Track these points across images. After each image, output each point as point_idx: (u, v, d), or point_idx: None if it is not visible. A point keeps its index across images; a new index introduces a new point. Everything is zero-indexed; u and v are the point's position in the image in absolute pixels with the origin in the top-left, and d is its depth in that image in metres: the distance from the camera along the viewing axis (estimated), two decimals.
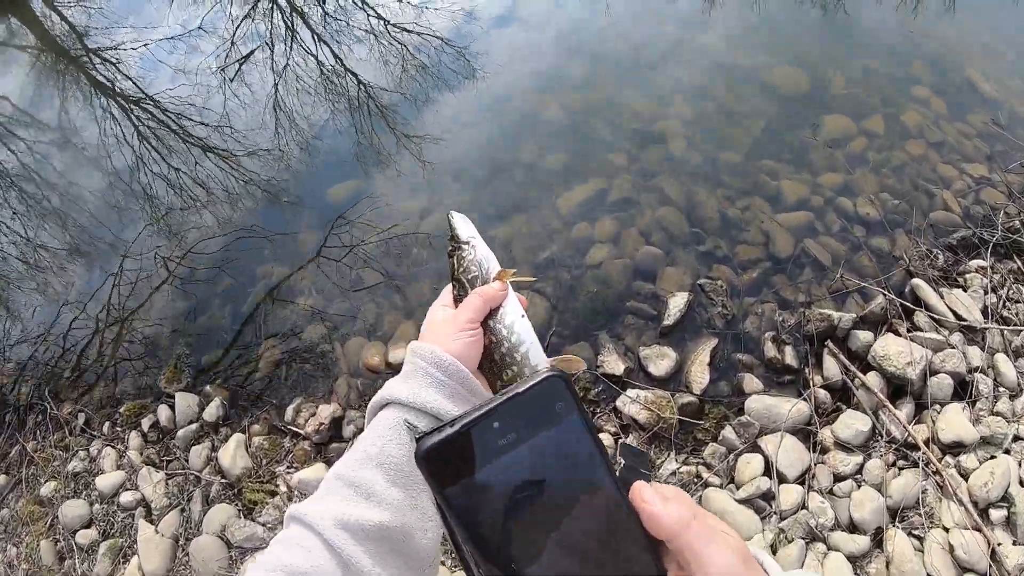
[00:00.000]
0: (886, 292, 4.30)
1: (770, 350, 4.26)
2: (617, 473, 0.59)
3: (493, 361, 0.95)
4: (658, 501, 0.56)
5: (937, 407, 3.82)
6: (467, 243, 0.96)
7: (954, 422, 3.66)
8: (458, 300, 0.97)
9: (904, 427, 3.71)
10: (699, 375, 4.23)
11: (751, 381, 4.18)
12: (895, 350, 3.93)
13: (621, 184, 5.18)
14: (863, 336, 4.12)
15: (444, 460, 0.55)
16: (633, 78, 6.12)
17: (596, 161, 5.41)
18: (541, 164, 5.46)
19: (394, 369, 4.42)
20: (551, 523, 0.55)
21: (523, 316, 0.96)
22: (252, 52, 6.67)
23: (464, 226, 1.00)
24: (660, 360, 4.24)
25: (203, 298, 5.06)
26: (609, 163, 5.36)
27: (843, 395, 4.06)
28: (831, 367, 4.16)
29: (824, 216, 4.89)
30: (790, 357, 4.19)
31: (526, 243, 4.94)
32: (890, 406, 3.82)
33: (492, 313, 0.96)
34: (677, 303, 4.38)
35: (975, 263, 4.50)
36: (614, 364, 4.18)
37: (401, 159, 5.75)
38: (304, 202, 5.60)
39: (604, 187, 5.20)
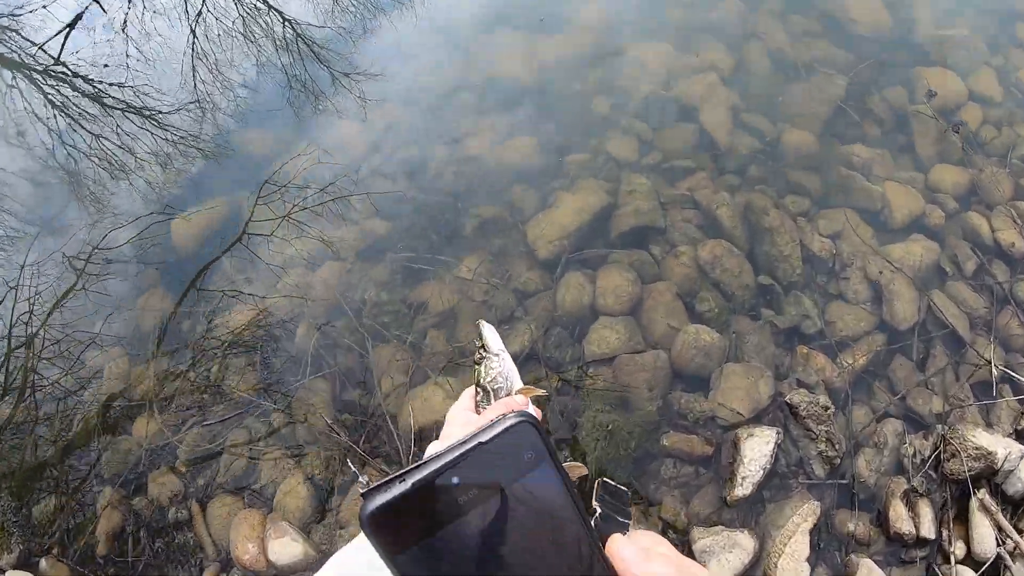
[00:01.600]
0: None
1: (900, 516, 2.53)
2: (593, 522, 0.52)
3: None
4: (640, 560, 0.51)
5: None
6: (497, 355, 0.96)
7: None
8: (479, 406, 0.95)
9: None
10: (791, 570, 2.46)
11: (867, 570, 2.46)
12: None
13: (633, 193, 3.05)
14: None
15: (394, 522, 0.45)
16: (635, 9, 3.74)
17: (588, 151, 3.22)
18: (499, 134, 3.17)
19: (280, 571, 2.52)
20: None
21: None
22: None
23: (494, 337, 1.00)
24: (727, 554, 2.45)
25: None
26: (607, 156, 3.18)
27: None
28: (983, 533, 2.52)
29: (947, 242, 3.06)
30: (927, 524, 2.51)
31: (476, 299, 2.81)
32: None
33: None
34: (756, 453, 2.48)
35: None
36: None
37: (339, 99, 3.86)
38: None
39: (604, 202, 3.05)
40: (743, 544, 2.48)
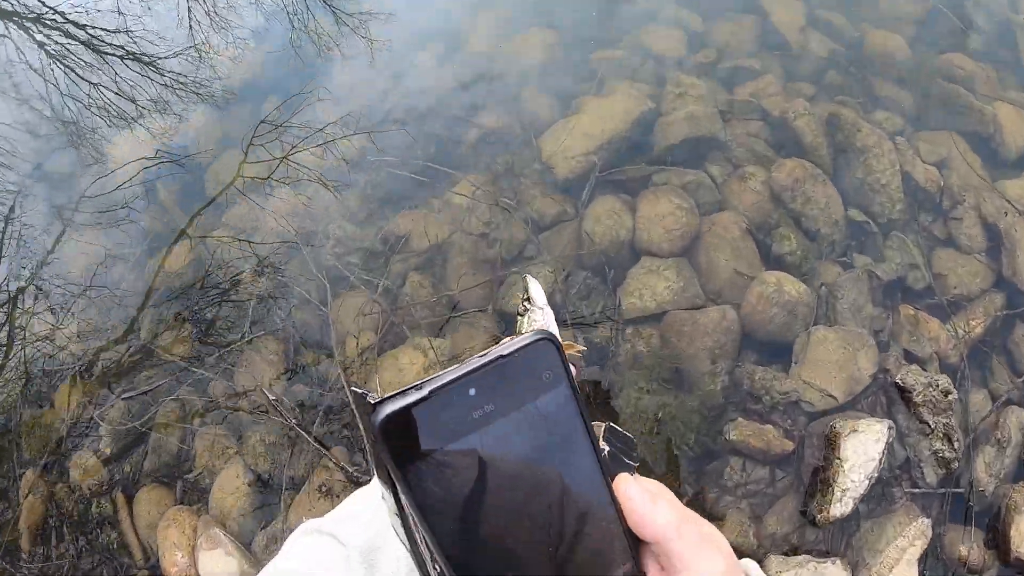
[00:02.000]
0: None
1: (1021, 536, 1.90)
2: (601, 460, 0.51)
3: None
4: (647, 500, 0.51)
5: None
6: (541, 308, 0.96)
7: None
8: None
9: None
10: None
11: None
12: None
13: (683, 96, 2.28)
14: None
15: (405, 430, 0.44)
16: None
17: (621, 47, 2.40)
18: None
19: None
20: (524, 512, 0.48)
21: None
22: None
23: (539, 292, 1.00)
24: None
25: None
26: (646, 52, 2.40)
27: None
28: None
29: None
30: None
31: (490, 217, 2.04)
32: None
33: None
34: (862, 456, 1.79)
35: None
36: None
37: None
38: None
39: (645, 108, 2.25)
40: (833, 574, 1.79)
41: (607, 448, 0.59)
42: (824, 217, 2.10)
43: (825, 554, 1.82)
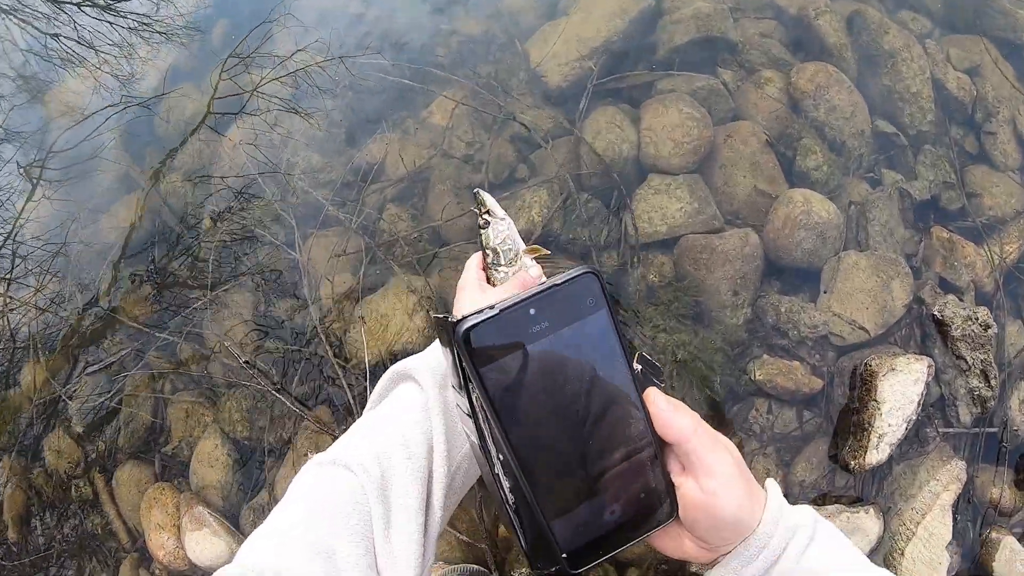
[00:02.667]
0: None
1: None
2: (634, 376, 0.61)
3: None
4: (671, 408, 0.61)
5: None
6: (503, 219, 1.00)
7: None
8: (490, 268, 0.99)
9: None
10: (924, 561, 1.67)
11: (1008, 551, 1.72)
12: None
13: None
14: None
15: (481, 339, 0.54)
16: None
17: None
18: None
19: (205, 571, 1.77)
20: (572, 410, 0.58)
21: None
22: None
23: (496, 203, 1.02)
24: (849, 537, 1.48)
25: None
26: None
27: None
28: None
29: None
30: None
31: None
32: None
33: None
34: (901, 398, 1.59)
35: None
36: None
37: None
38: None
39: (644, 5, 1.97)
40: (866, 528, 1.62)
41: (639, 367, 0.63)
42: (850, 128, 1.85)
43: (857, 501, 1.64)
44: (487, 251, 0.99)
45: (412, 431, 0.72)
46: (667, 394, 0.64)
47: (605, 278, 0.63)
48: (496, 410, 0.56)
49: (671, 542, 0.66)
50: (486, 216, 1.01)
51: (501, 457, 0.59)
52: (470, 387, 0.57)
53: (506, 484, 0.61)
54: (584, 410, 0.58)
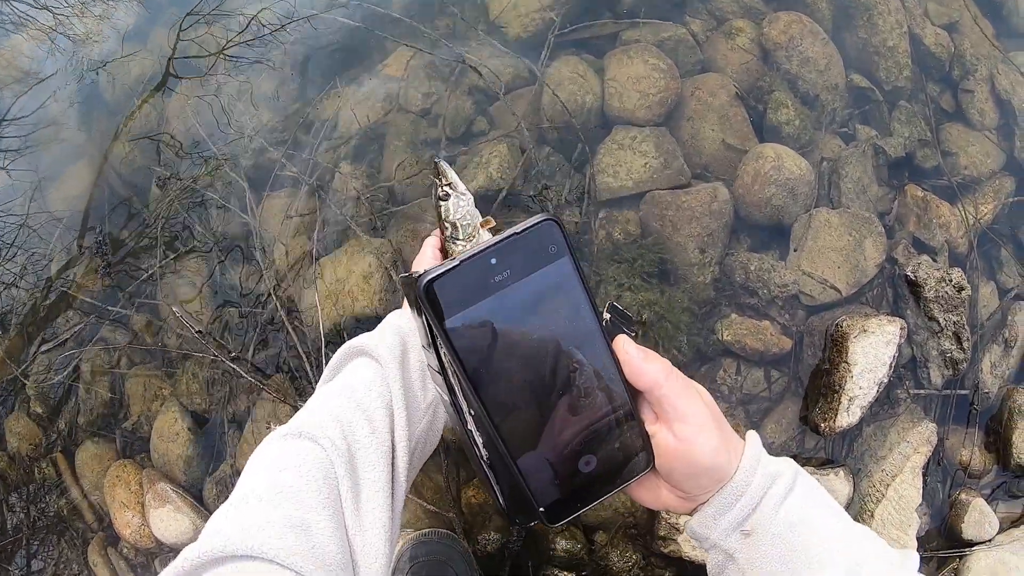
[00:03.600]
0: None
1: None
2: (603, 324, 0.60)
3: None
4: (640, 356, 0.59)
5: None
6: (464, 194, 0.98)
7: None
8: (448, 242, 0.98)
9: None
10: (893, 522, 1.64)
11: (977, 513, 1.69)
12: None
13: None
14: None
15: (443, 291, 0.54)
16: None
17: None
18: None
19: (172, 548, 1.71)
20: (539, 361, 0.57)
21: None
22: None
23: (456, 176, 1.00)
24: None
25: None
26: None
27: None
28: None
29: None
30: None
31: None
32: None
33: None
34: (872, 359, 1.55)
35: None
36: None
37: None
38: None
39: None
40: (836, 490, 1.58)
41: (608, 316, 0.63)
42: (823, 81, 1.78)
43: (827, 463, 1.60)
44: (446, 224, 0.98)
45: (374, 405, 0.72)
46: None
47: (567, 226, 0.54)
48: (463, 363, 0.55)
49: (648, 493, 0.66)
50: (447, 188, 0.98)
51: (472, 412, 0.58)
52: (437, 342, 0.56)
53: (479, 440, 0.60)
54: (552, 360, 0.57)
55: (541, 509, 0.60)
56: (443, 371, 0.59)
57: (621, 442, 0.61)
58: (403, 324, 0.84)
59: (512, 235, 0.55)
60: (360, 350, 0.79)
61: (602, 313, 0.62)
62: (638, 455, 0.63)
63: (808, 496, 0.63)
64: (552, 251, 0.56)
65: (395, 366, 0.75)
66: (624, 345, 0.60)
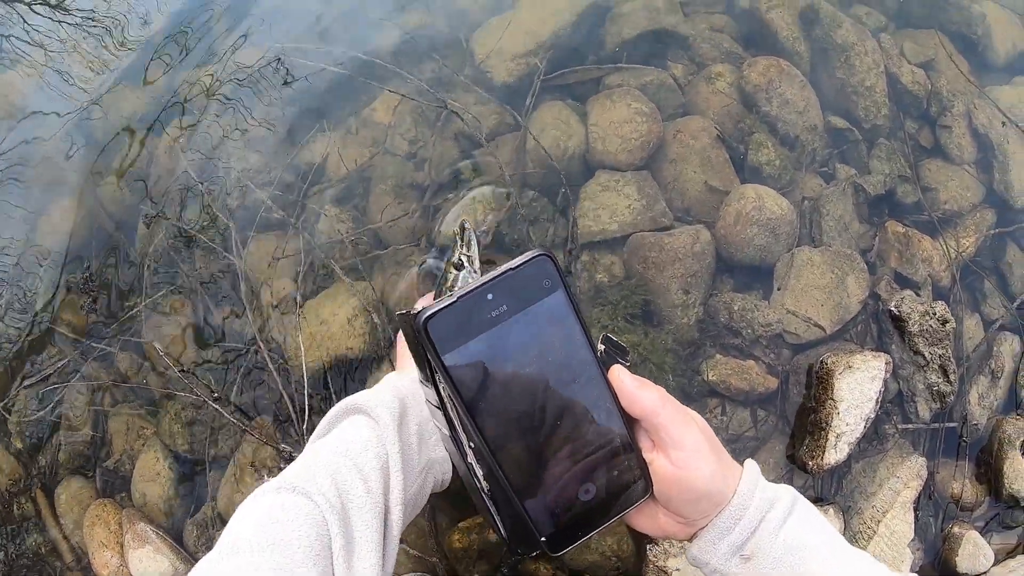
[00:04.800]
0: None
1: (1019, 473, 1.75)
2: (598, 355, 0.62)
3: None
4: (636, 384, 0.61)
5: None
6: (476, 272, 0.95)
7: None
8: None
9: None
10: (885, 559, 1.62)
11: (972, 545, 1.70)
12: None
13: None
14: None
15: (442, 327, 0.56)
16: None
17: None
18: None
19: None
20: (537, 392, 0.59)
21: None
22: None
23: (477, 249, 0.99)
24: None
25: None
26: None
27: None
28: None
29: None
30: None
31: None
32: None
33: None
34: (858, 396, 1.56)
35: None
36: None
37: None
38: None
39: None
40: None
41: (603, 347, 0.64)
42: (803, 122, 1.81)
43: (817, 501, 1.60)
44: (445, 291, 0.95)
45: (370, 465, 0.72)
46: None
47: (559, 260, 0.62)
48: (462, 396, 0.56)
49: (648, 520, 0.67)
50: (464, 258, 0.98)
51: (472, 445, 0.59)
52: (436, 377, 0.58)
53: (479, 472, 0.61)
54: (549, 391, 0.59)
55: (543, 539, 0.62)
56: (442, 406, 0.60)
57: (619, 470, 0.63)
58: (402, 385, 0.85)
59: (507, 270, 0.57)
60: (357, 408, 0.79)
61: (597, 344, 0.63)
62: (636, 483, 0.64)
63: (807, 520, 0.64)
64: (546, 285, 0.58)
65: (393, 428, 0.76)
66: (619, 374, 0.61)
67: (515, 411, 0.58)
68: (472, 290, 0.56)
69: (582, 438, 0.61)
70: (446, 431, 0.63)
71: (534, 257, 0.58)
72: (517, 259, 0.58)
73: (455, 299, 0.56)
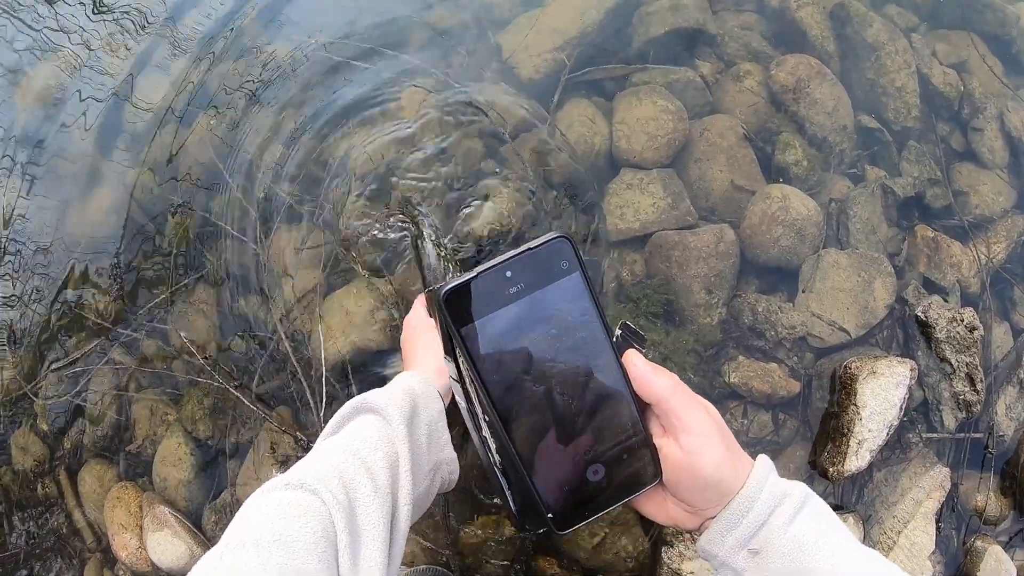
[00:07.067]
0: None
1: None
2: (613, 339, 0.63)
3: None
4: (649, 369, 0.62)
5: None
6: (435, 226, 0.95)
7: None
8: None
9: None
10: (910, 566, 1.60)
11: (994, 560, 1.66)
12: None
13: None
14: None
15: (462, 301, 0.57)
16: None
17: None
18: None
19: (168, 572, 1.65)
20: (551, 371, 0.59)
21: None
22: None
23: (425, 216, 0.97)
24: None
25: None
26: None
27: None
28: None
29: None
30: None
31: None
32: None
33: None
34: (882, 402, 1.53)
35: None
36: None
37: None
38: None
39: None
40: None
41: (620, 332, 0.65)
42: (831, 123, 1.79)
43: (836, 508, 1.57)
44: (425, 267, 1.01)
45: (378, 464, 0.72)
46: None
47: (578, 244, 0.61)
48: (478, 370, 0.58)
49: (656, 507, 0.68)
50: (417, 229, 1.00)
51: (487, 419, 0.61)
52: (456, 351, 0.59)
53: (492, 445, 0.63)
54: (562, 370, 0.60)
55: (550, 516, 0.62)
56: (460, 379, 0.62)
57: (629, 453, 0.64)
58: (415, 385, 0.85)
59: (526, 250, 0.59)
60: (368, 407, 0.79)
61: (613, 329, 0.64)
62: (646, 468, 0.65)
63: (819, 518, 0.63)
64: (564, 266, 0.59)
65: (403, 427, 0.76)
66: (633, 359, 0.62)
67: (527, 387, 0.59)
68: (491, 267, 0.58)
69: (593, 420, 0.62)
70: (463, 403, 0.64)
71: (553, 239, 0.59)
72: (536, 240, 0.59)
73: (475, 274, 0.57)
